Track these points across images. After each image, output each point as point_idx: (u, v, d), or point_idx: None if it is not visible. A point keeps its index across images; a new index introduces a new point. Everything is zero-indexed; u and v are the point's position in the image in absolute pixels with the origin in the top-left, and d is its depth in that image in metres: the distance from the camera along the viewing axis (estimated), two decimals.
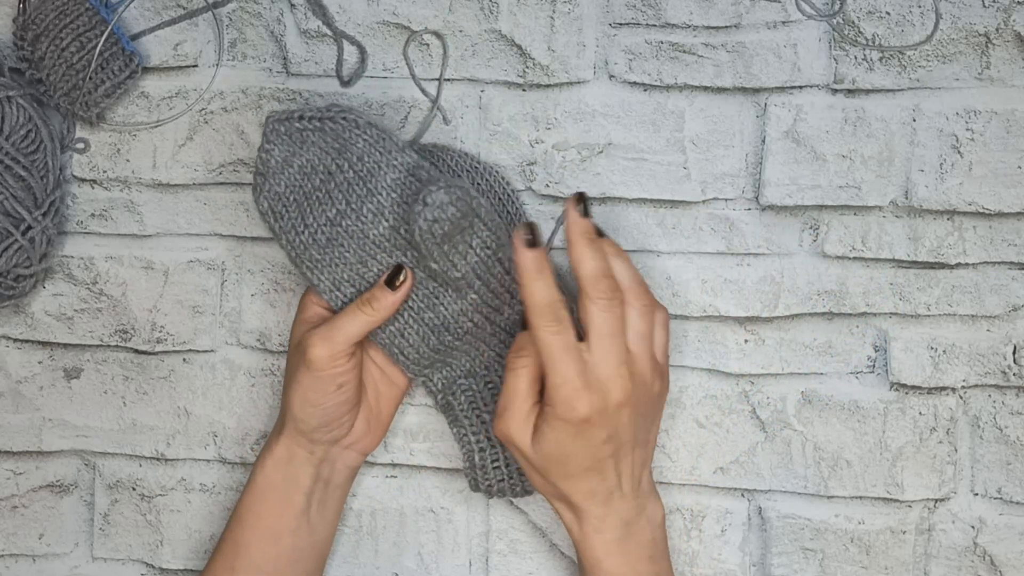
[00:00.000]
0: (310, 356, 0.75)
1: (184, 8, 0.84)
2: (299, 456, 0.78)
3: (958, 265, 0.82)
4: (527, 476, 0.75)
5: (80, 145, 0.85)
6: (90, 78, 0.81)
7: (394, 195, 0.76)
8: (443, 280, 0.76)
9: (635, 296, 0.73)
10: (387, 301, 0.76)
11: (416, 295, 0.77)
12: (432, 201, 0.73)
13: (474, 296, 0.77)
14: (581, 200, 0.72)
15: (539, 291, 0.71)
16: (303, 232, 0.77)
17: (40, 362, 0.87)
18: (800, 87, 0.82)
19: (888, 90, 0.81)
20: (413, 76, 0.83)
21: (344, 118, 0.76)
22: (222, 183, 0.85)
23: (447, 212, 0.73)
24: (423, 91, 0.83)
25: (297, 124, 0.76)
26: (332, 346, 0.75)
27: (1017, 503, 0.82)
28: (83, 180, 0.86)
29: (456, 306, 0.77)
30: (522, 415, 0.73)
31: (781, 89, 0.82)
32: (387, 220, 0.76)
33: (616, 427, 0.72)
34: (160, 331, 0.86)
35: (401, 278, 0.76)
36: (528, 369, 0.73)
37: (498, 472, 0.79)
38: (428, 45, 0.83)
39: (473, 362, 0.80)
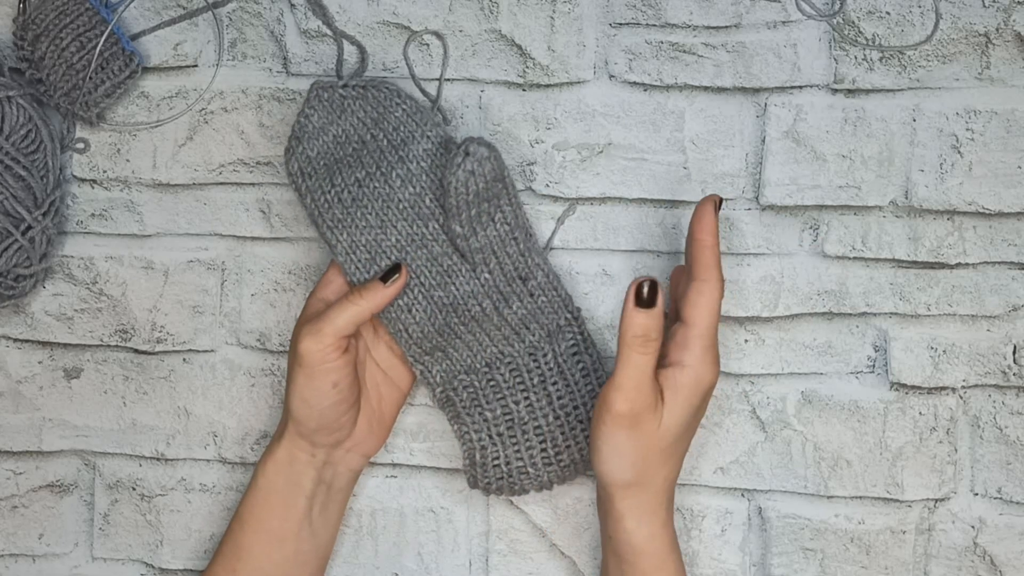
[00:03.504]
0: (300, 350, 0.75)
1: (184, 8, 0.85)
2: (300, 459, 0.78)
3: (958, 265, 0.82)
4: (613, 461, 0.73)
5: (80, 145, 0.85)
6: (90, 78, 0.81)
7: (424, 164, 0.77)
8: (462, 250, 0.76)
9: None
10: (378, 293, 0.76)
11: (429, 271, 0.78)
12: (474, 152, 0.74)
13: (487, 276, 0.77)
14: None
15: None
16: (329, 191, 0.78)
17: (40, 362, 0.87)
18: (800, 87, 0.82)
19: (888, 90, 0.81)
20: (413, 76, 0.83)
21: (387, 87, 0.79)
22: (222, 183, 0.85)
23: (484, 167, 0.74)
24: (423, 91, 0.83)
25: (340, 91, 0.78)
26: (321, 338, 0.74)
27: (1017, 503, 0.82)
28: (83, 180, 0.86)
29: (468, 286, 0.78)
30: (655, 393, 0.72)
31: (781, 89, 0.82)
32: (413, 187, 0.77)
33: (705, 408, 0.75)
34: (160, 331, 0.86)
35: (396, 275, 0.76)
36: (656, 354, 0.72)
37: (498, 470, 0.79)
38: (428, 45, 0.83)
39: (474, 357, 0.79)
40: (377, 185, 0.77)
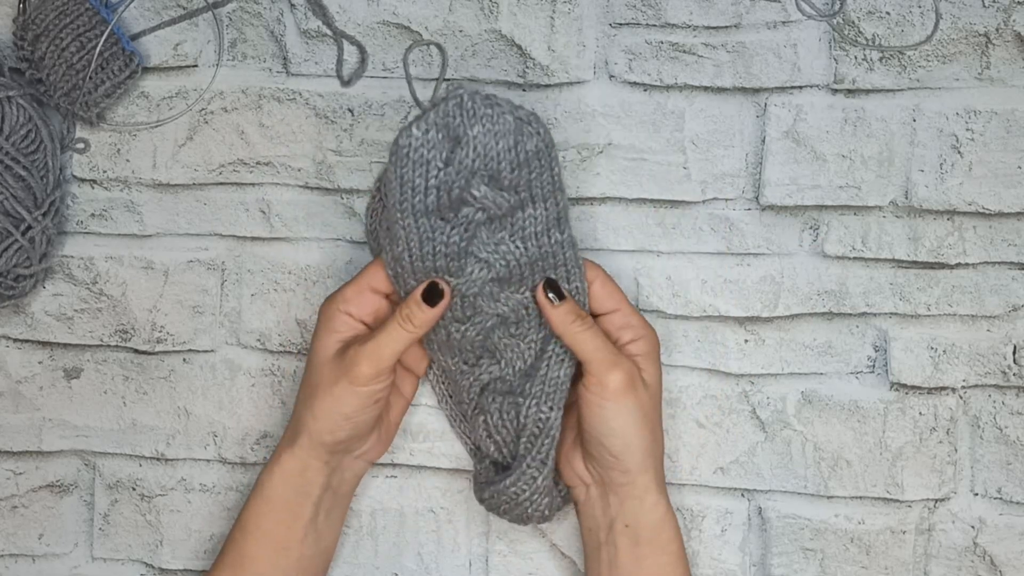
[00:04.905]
0: (357, 373, 0.75)
1: (184, 8, 0.85)
2: (313, 468, 0.77)
3: (958, 265, 0.82)
4: (644, 433, 0.75)
5: (80, 145, 0.85)
6: (90, 78, 0.81)
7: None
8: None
9: None
10: (426, 317, 0.75)
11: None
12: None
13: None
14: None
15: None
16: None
17: (40, 362, 0.87)
18: (800, 87, 0.82)
19: (888, 90, 0.81)
20: (410, 85, 0.83)
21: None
22: (222, 183, 0.85)
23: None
24: (416, 101, 0.82)
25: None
26: (379, 363, 0.75)
27: (1017, 503, 0.82)
28: (83, 180, 0.86)
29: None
30: (629, 359, 0.76)
31: (781, 89, 0.82)
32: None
33: None
34: (160, 331, 0.86)
35: (439, 293, 0.75)
36: (596, 328, 0.76)
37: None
38: (428, 46, 0.83)
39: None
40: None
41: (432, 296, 0.75)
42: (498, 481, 0.78)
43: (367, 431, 0.78)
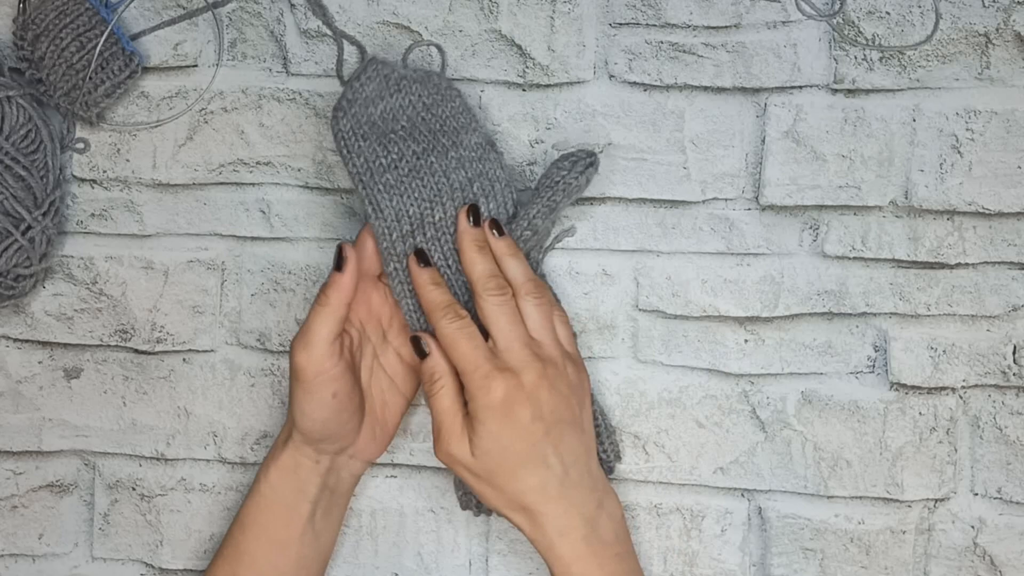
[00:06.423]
0: (294, 364, 0.74)
1: (184, 8, 0.85)
2: (305, 466, 0.78)
3: (958, 265, 0.82)
4: (480, 496, 0.75)
5: (80, 145, 0.85)
6: (90, 78, 0.81)
7: (474, 154, 0.79)
8: (517, 239, 0.78)
9: (527, 291, 0.76)
10: (340, 283, 0.75)
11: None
12: (596, 165, 0.80)
13: None
14: (472, 212, 0.76)
15: (435, 295, 0.75)
16: (384, 156, 0.78)
17: (40, 362, 0.87)
18: (800, 87, 0.82)
19: (888, 90, 0.81)
20: None
21: (446, 79, 0.81)
22: (222, 183, 0.85)
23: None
24: None
25: (400, 71, 0.80)
26: (311, 350, 0.74)
27: (1017, 503, 0.82)
28: (83, 180, 0.86)
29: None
30: (457, 429, 0.74)
31: (781, 89, 0.82)
32: (466, 172, 0.78)
33: (539, 406, 0.73)
34: (160, 331, 0.86)
35: (344, 256, 0.75)
36: (447, 388, 0.74)
37: None
38: (428, 46, 0.83)
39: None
40: (434, 160, 0.78)
41: (339, 261, 0.75)
42: None
43: (340, 428, 0.77)
